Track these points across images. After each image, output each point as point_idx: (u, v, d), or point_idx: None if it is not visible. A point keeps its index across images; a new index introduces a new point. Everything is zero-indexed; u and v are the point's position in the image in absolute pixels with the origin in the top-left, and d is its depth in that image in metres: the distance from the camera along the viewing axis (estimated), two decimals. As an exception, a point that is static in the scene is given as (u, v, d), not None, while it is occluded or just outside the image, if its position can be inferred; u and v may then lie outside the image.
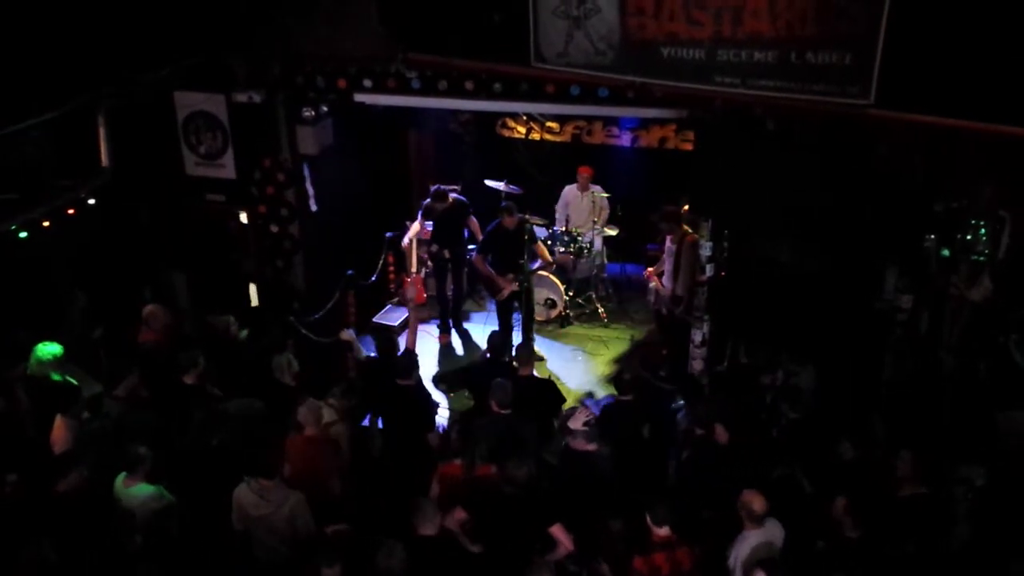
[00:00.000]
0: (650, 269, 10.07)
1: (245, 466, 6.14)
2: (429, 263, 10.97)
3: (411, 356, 7.71)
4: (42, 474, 6.48)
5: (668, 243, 9.58)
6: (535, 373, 8.39)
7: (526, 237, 9.42)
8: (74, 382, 7.40)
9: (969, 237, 7.83)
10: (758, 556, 5.59)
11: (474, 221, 10.38)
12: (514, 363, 8.08)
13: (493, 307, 11.17)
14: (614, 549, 6.11)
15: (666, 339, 9.85)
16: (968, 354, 7.92)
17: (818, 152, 7.83)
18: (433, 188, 10.25)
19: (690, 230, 9.23)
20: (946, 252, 7.93)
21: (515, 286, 9.66)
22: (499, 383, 7.09)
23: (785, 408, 7.36)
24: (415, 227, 10.69)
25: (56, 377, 7.31)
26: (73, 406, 6.87)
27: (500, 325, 9.93)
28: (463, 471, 6.37)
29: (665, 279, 9.64)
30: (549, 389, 8.00)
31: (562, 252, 10.88)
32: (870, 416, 7.52)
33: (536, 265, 10.00)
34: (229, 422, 6.94)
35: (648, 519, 5.76)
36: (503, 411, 7.02)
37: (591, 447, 6.63)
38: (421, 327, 10.89)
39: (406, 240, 10.77)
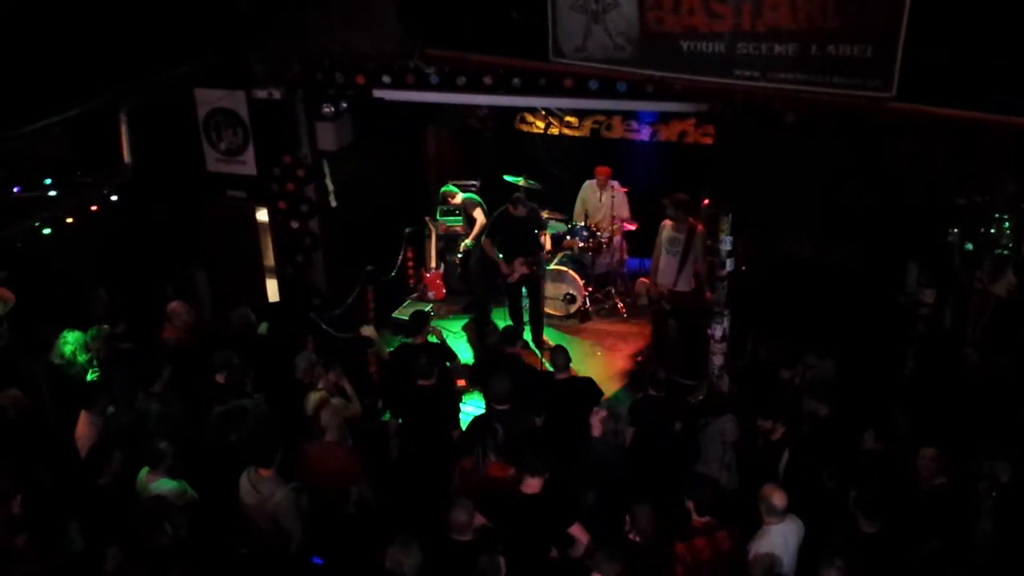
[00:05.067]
0: (643, 279, 9.81)
1: (249, 455, 6.19)
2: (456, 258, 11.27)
3: (430, 356, 7.47)
4: (66, 466, 6.57)
5: (667, 234, 9.13)
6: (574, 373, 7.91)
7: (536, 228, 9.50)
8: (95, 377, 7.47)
9: (992, 231, 7.78)
10: (770, 559, 5.57)
11: (479, 213, 10.83)
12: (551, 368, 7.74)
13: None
14: (633, 546, 6.08)
15: (683, 336, 9.78)
16: (992, 349, 7.85)
17: (839, 145, 7.78)
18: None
19: (695, 221, 9.03)
20: (969, 246, 7.89)
21: (525, 269, 9.67)
22: (497, 377, 6.93)
23: (815, 406, 7.25)
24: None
25: (82, 359, 7.43)
26: (96, 402, 6.93)
27: (510, 311, 9.87)
28: (473, 469, 6.30)
29: (662, 275, 9.21)
30: (590, 388, 7.62)
31: (582, 246, 10.87)
32: (892, 410, 7.45)
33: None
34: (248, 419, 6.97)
35: (691, 507, 5.72)
36: (500, 407, 6.87)
37: (595, 433, 6.58)
38: (442, 324, 10.92)
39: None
